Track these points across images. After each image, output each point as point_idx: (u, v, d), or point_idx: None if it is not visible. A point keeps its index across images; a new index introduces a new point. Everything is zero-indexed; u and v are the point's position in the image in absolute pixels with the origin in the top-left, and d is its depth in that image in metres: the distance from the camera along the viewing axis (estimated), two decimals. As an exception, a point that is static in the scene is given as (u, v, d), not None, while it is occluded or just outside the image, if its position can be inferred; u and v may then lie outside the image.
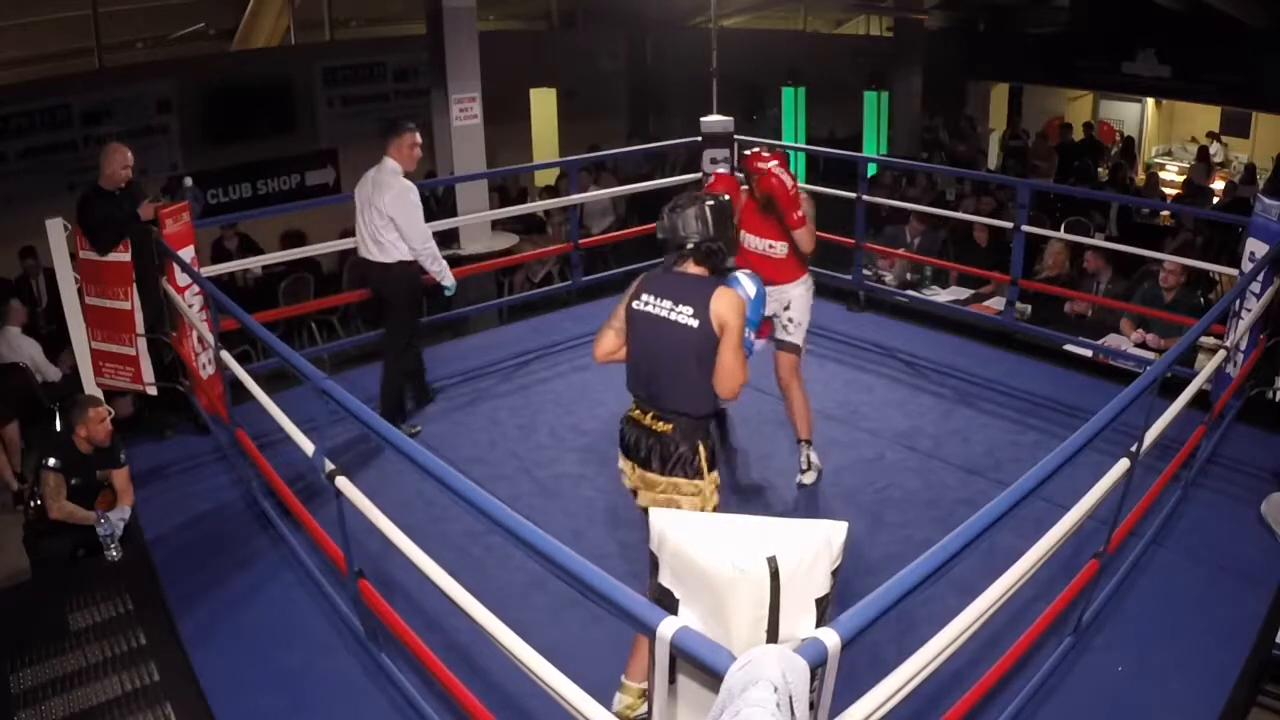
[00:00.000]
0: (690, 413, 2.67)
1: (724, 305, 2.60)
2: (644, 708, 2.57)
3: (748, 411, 4.78)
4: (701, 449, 2.68)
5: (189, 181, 4.63)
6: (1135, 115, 14.40)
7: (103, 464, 3.86)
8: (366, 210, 4.38)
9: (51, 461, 3.75)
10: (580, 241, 6.27)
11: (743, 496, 3.96)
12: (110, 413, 3.93)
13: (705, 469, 2.67)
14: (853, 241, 6.03)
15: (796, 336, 4.08)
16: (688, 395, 2.66)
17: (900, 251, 6.99)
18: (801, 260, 4.05)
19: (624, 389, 2.81)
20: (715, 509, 2.72)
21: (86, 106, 8.72)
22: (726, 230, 2.71)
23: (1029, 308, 6.14)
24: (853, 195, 5.99)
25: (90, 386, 4.45)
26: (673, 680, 1.65)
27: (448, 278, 4.62)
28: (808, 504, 3.93)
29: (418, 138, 4.42)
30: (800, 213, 3.86)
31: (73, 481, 3.78)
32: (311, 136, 10.30)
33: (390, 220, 4.33)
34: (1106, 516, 2.87)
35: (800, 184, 3.98)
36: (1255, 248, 4.43)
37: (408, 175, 4.41)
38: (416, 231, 4.39)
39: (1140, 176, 12.61)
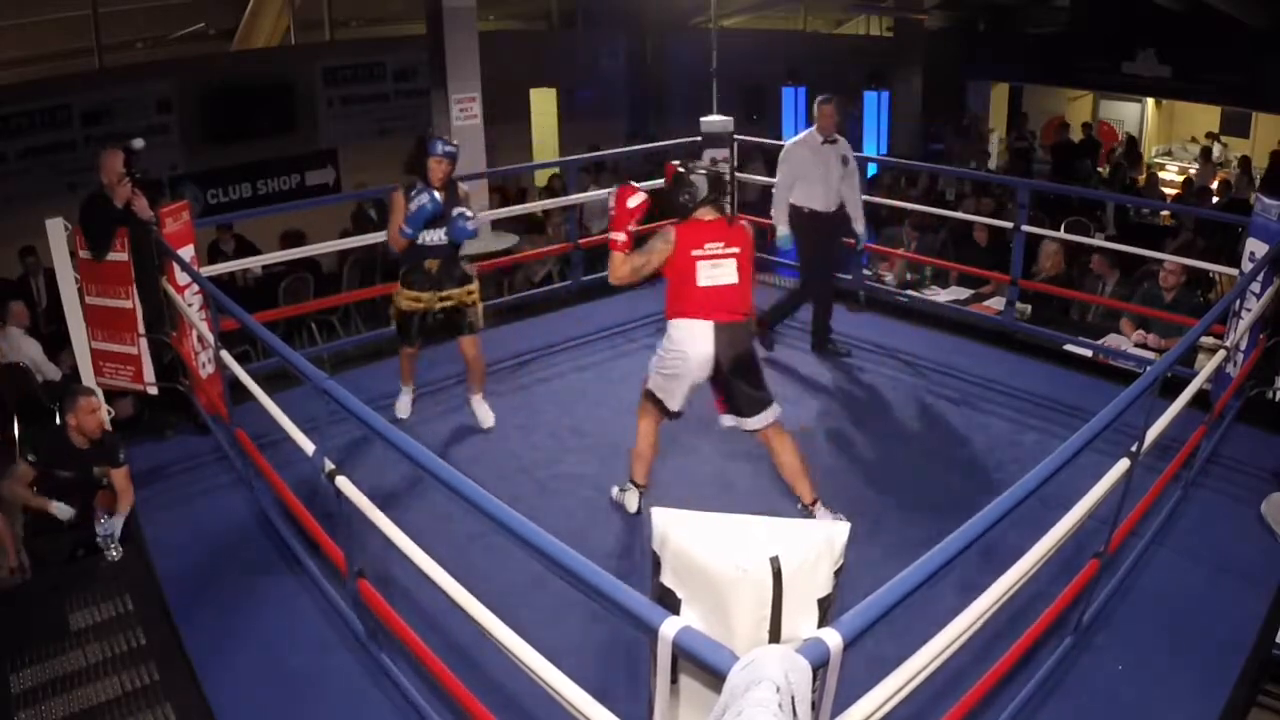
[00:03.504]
0: None
1: None
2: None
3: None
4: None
5: (138, 144, 4.44)
6: (1135, 115, 14.39)
7: (99, 460, 3.85)
8: None
9: (31, 457, 3.77)
10: (580, 241, 6.28)
11: (744, 498, 3.96)
12: (112, 412, 3.93)
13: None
14: (853, 242, 6.02)
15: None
16: None
17: (900, 251, 6.99)
18: (671, 296, 3.53)
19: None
20: (396, 315, 4.27)
21: (86, 106, 8.72)
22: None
23: (1029, 308, 6.14)
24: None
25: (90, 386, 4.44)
26: (675, 680, 1.65)
27: (781, 226, 5.27)
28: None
29: (832, 109, 5.18)
30: (617, 236, 3.50)
31: (64, 474, 3.77)
32: (311, 136, 10.30)
33: None
34: (1106, 516, 2.87)
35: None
36: (1255, 248, 4.44)
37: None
38: (778, 179, 5.28)
39: (1141, 176, 12.61)
